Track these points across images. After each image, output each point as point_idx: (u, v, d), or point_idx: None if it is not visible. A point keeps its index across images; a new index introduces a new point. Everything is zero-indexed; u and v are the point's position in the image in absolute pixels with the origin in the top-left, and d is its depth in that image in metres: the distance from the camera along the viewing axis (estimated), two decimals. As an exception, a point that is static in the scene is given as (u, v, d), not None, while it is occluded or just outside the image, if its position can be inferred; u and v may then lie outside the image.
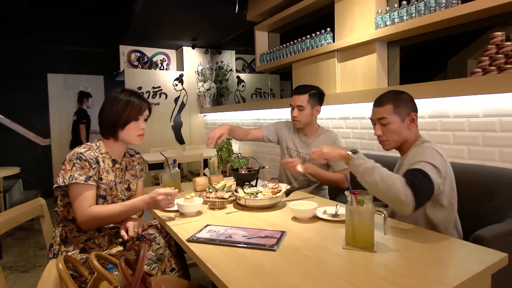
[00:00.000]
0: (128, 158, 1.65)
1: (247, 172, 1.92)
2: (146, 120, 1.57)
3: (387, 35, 2.29)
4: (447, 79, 1.87)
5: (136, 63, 5.43)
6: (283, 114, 3.47)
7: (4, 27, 5.12)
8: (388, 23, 2.28)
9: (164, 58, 5.64)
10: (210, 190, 1.76)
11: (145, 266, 1.34)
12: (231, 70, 5.76)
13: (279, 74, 6.16)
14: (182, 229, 1.32)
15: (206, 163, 3.10)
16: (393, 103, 1.41)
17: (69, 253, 1.38)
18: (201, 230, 1.27)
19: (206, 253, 1.08)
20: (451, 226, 1.37)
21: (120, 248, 1.37)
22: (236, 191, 1.67)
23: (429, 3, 2.04)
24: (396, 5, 2.26)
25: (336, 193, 2.20)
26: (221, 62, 5.66)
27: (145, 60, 5.47)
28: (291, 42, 3.27)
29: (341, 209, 1.39)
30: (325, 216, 1.37)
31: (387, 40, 2.45)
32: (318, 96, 2.12)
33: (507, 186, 1.52)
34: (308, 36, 3.05)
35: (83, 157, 1.39)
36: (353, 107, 2.60)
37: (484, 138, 1.78)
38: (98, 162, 1.44)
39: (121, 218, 1.44)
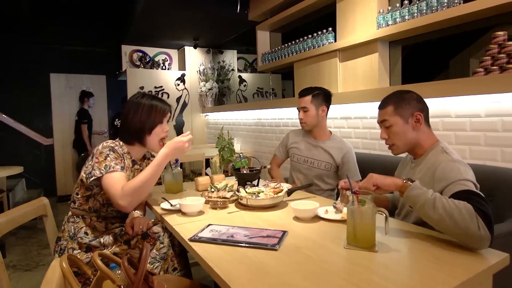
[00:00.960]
0: (146, 160, 1.70)
1: (248, 171, 1.92)
2: (168, 122, 1.63)
3: (388, 34, 2.29)
4: (449, 79, 1.87)
5: (138, 63, 5.45)
6: (285, 113, 3.47)
7: (7, 27, 5.15)
8: (390, 22, 2.28)
9: (166, 58, 5.65)
10: (212, 189, 1.77)
11: (148, 265, 1.35)
12: (232, 69, 5.77)
13: (281, 74, 6.16)
14: (184, 228, 1.32)
15: (208, 162, 3.11)
16: (394, 103, 1.36)
17: (75, 251, 1.40)
18: (203, 229, 1.28)
19: (208, 252, 1.08)
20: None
21: (125, 246, 1.38)
22: (238, 190, 1.68)
23: (431, 2, 2.03)
24: (398, 5, 2.26)
25: (338, 194, 2.20)
26: (223, 61, 5.67)
27: (147, 60, 5.48)
28: (293, 42, 3.27)
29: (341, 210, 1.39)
30: (326, 216, 1.38)
31: (388, 39, 2.45)
32: (322, 96, 2.13)
33: (508, 186, 1.52)
34: (310, 36, 3.05)
35: (116, 150, 1.45)
36: (354, 107, 2.60)
37: (486, 138, 1.77)
38: (124, 159, 1.49)
39: (154, 180, 1.45)
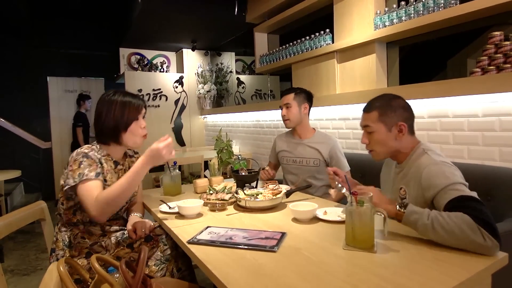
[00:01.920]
0: (128, 158, 1.64)
1: (247, 173, 1.92)
2: (144, 118, 1.55)
3: (386, 35, 2.30)
4: (447, 79, 1.87)
5: (136, 66, 5.45)
6: (283, 115, 3.47)
7: (5, 30, 5.14)
8: (387, 23, 2.29)
9: (164, 61, 5.65)
10: (211, 192, 1.77)
11: (153, 267, 1.35)
12: (231, 71, 5.77)
13: (279, 75, 6.17)
14: (182, 231, 1.32)
15: (206, 165, 3.11)
16: (380, 110, 1.30)
17: (75, 259, 1.38)
18: (202, 232, 1.28)
19: (206, 254, 1.08)
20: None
21: (128, 250, 1.37)
22: (237, 192, 1.68)
23: (427, 3, 2.04)
24: (394, 6, 2.27)
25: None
26: (221, 64, 5.68)
27: (145, 62, 5.48)
28: (291, 44, 3.28)
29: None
30: (325, 217, 1.37)
31: (386, 40, 2.46)
32: (304, 94, 2.21)
33: (507, 185, 1.52)
34: (308, 37, 3.05)
35: (90, 156, 1.40)
36: (352, 108, 2.60)
37: (483, 137, 1.78)
38: (101, 163, 1.44)
39: (131, 190, 1.38)
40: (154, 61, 5.59)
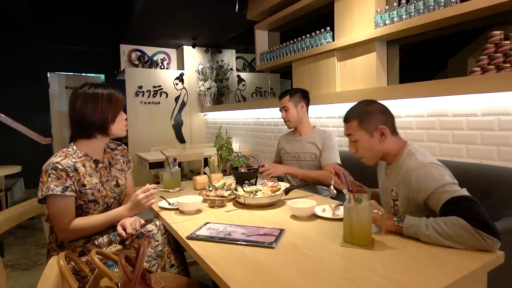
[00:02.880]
0: (109, 153, 1.62)
1: (246, 170, 1.93)
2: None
3: (386, 34, 2.29)
4: (447, 78, 1.88)
5: (136, 62, 5.44)
6: (283, 113, 3.47)
7: (5, 26, 5.14)
8: (387, 22, 2.29)
9: (164, 57, 5.65)
10: (210, 188, 1.78)
11: (144, 263, 1.35)
12: (231, 69, 5.77)
13: (280, 73, 6.17)
14: (182, 227, 1.33)
15: (206, 162, 3.11)
16: (358, 118, 1.33)
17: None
18: (201, 228, 1.29)
19: (205, 250, 1.09)
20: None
21: (119, 247, 1.38)
22: (236, 189, 1.69)
23: (428, 2, 2.04)
24: (395, 4, 2.27)
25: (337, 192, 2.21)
26: (222, 61, 5.67)
27: (146, 59, 5.48)
28: (291, 41, 3.27)
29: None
30: (323, 214, 1.38)
31: (386, 39, 2.46)
32: (299, 94, 2.29)
33: (505, 184, 1.53)
34: (308, 35, 3.05)
35: (59, 167, 1.34)
36: (352, 106, 2.60)
37: (482, 137, 1.78)
38: (76, 170, 1.39)
39: (103, 228, 1.44)
40: (155, 58, 5.58)
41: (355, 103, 2.46)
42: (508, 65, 1.67)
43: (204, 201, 1.64)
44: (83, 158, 1.46)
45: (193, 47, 5.44)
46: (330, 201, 1.64)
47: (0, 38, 5.22)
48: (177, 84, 5.39)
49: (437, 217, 1.09)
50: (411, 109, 2.15)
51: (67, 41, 5.68)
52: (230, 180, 1.90)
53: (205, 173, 2.36)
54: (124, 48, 5.48)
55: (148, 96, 5.16)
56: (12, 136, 5.25)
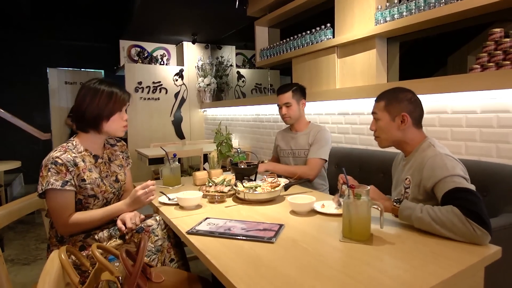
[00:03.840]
0: (109, 149, 1.62)
1: (246, 166, 1.93)
2: (126, 111, 1.56)
3: (386, 31, 2.29)
4: (447, 75, 1.88)
5: (136, 58, 5.43)
6: (283, 109, 3.48)
7: (5, 22, 5.11)
8: (388, 19, 2.28)
9: (164, 53, 5.63)
10: (210, 184, 1.78)
11: (145, 258, 1.36)
12: (231, 65, 5.76)
13: (279, 70, 6.16)
14: (182, 222, 1.34)
15: (206, 157, 3.11)
16: (386, 100, 1.39)
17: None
18: (201, 222, 1.29)
19: (205, 245, 1.09)
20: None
21: (119, 241, 1.39)
22: (236, 185, 1.69)
23: (429, -1, 2.04)
24: (396, 1, 2.26)
25: (336, 189, 2.22)
26: (221, 57, 5.66)
27: (145, 55, 5.47)
28: (291, 38, 3.27)
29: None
30: (323, 210, 1.39)
31: (386, 36, 2.46)
32: (300, 91, 2.29)
33: (503, 181, 1.53)
34: (308, 32, 3.04)
35: (59, 161, 1.35)
36: (352, 103, 2.61)
37: (481, 134, 1.79)
38: (76, 164, 1.40)
39: (103, 223, 1.46)
40: (154, 54, 5.57)
41: (355, 100, 2.51)
42: (508, 62, 1.68)
43: (204, 196, 1.64)
44: (83, 153, 1.47)
45: (193, 43, 5.43)
46: (330, 197, 1.65)
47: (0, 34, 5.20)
48: (176, 80, 5.39)
49: (435, 206, 1.12)
50: (411, 106, 2.15)
51: (66, 37, 5.66)
52: (230, 176, 1.90)
53: (204, 169, 2.36)
54: (124, 44, 5.46)
55: (148, 92, 5.15)
56: (11, 131, 5.24)
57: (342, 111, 2.72)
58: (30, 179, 5.29)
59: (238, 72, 6.00)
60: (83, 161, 1.45)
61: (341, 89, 2.66)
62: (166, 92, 5.31)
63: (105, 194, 1.50)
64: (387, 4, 2.31)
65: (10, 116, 5.18)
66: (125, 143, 1.75)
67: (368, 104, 2.47)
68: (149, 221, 1.43)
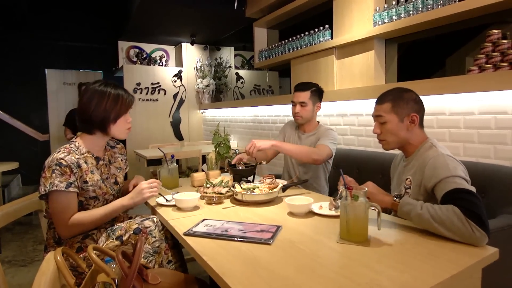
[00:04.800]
0: (109, 151, 1.64)
1: (244, 167, 1.93)
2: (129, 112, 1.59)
3: (385, 32, 2.30)
4: (445, 77, 1.88)
5: (135, 59, 5.43)
6: (282, 111, 3.48)
7: (3, 23, 5.11)
8: (386, 20, 2.29)
9: (163, 54, 5.63)
10: (208, 185, 1.78)
11: (142, 260, 1.36)
12: (230, 66, 5.76)
13: (278, 71, 6.16)
14: (179, 223, 1.33)
15: (204, 159, 3.11)
16: (392, 101, 1.36)
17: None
18: (198, 224, 1.29)
19: (202, 246, 1.09)
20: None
21: (117, 242, 1.38)
22: (233, 186, 1.69)
23: (426, 0, 2.04)
24: (394, 2, 2.27)
25: (335, 190, 2.22)
26: (220, 58, 5.66)
27: (144, 56, 5.46)
28: (290, 39, 3.27)
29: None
30: (320, 211, 1.39)
31: (385, 37, 2.46)
32: (318, 93, 2.18)
33: (501, 183, 1.53)
34: (307, 33, 3.05)
35: (63, 163, 1.34)
36: (350, 104, 2.61)
37: (479, 135, 1.79)
38: (79, 166, 1.40)
39: (104, 221, 1.46)
40: (153, 55, 5.57)
41: (353, 101, 2.50)
42: (506, 64, 1.68)
43: (202, 197, 1.64)
44: (85, 154, 1.48)
45: (192, 44, 5.43)
46: (327, 199, 1.64)
47: (-2, 34, 5.19)
48: (175, 81, 5.38)
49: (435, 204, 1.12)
50: (409, 108, 2.15)
51: (65, 38, 5.65)
52: (228, 177, 1.90)
53: (203, 170, 2.35)
54: (122, 45, 5.46)
55: (146, 93, 5.15)
56: (9, 132, 5.24)
57: (341, 112, 2.72)
58: (28, 180, 5.28)
59: (237, 73, 6.00)
60: (86, 162, 1.45)
61: (339, 90, 2.66)
62: (165, 93, 5.30)
63: (106, 195, 1.51)
64: (385, 6, 2.31)
65: (8, 117, 5.18)
66: (123, 146, 1.76)
67: (366, 105, 2.47)
68: (147, 223, 1.43)
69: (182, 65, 5.47)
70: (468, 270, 0.91)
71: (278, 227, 1.23)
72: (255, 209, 1.51)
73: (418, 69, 4.10)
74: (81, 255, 1.37)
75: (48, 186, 1.32)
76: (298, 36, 3.17)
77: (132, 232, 1.38)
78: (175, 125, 5.43)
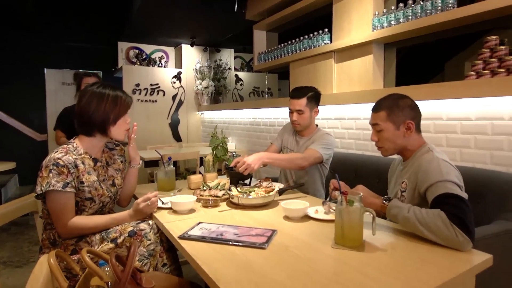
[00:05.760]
0: (107, 152, 1.64)
1: (241, 170, 1.93)
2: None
3: (383, 37, 2.30)
4: (444, 82, 1.88)
5: (134, 60, 5.43)
6: (280, 113, 3.48)
7: (3, 22, 5.11)
8: (385, 25, 2.29)
9: (162, 55, 5.63)
10: (204, 188, 1.78)
11: (136, 262, 1.35)
12: (229, 68, 5.76)
13: (277, 73, 6.17)
14: (174, 226, 1.33)
15: (202, 161, 3.10)
16: (388, 109, 1.36)
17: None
18: (193, 227, 1.29)
19: (196, 250, 1.09)
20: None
21: (111, 245, 1.37)
22: (230, 189, 1.69)
23: (425, 6, 2.05)
24: (393, 7, 2.28)
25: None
26: (220, 60, 5.66)
27: (144, 57, 5.46)
28: (289, 42, 3.28)
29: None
30: (316, 216, 1.39)
31: (383, 41, 2.47)
32: (315, 98, 2.14)
33: (497, 188, 1.53)
34: (306, 36, 3.06)
35: (61, 163, 1.35)
36: (348, 108, 2.61)
37: (476, 141, 1.79)
38: (76, 166, 1.40)
39: (104, 229, 1.45)
40: (153, 56, 5.57)
41: (351, 105, 2.51)
42: (503, 70, 1.69)
43: (198, 200, 1.64)
44: (83, 155, 1.48)
45: (192, 45, 5.43)
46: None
47: (-2, 34, 5.19)
48: (174, 82, 5.39)
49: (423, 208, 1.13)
50: (407, 112, 2.15)
51: (64, 38, 5.65)
52: (225, 180, 1.90)
53: (200, 173, 2.35)
54: (122, 46, 5.46)
55: (145, 94, 5.15)
56: (7, 132, 5.22)
57: (339, 116, 2.73)
58: (25, 180, 5.26)
59: (236, 75, 6.00)
60: (83, 163, 1.45)
61: (337, 94, 2.67)
62: (164, 95, 5.30)
63: (102, 197, 1.51)
64: (384, 10, 2.32)
65: (6, 117, 5.17)
66: (123, 148, 1.76)
67: (364, 109, 2.48)
68: (142, 225, 1.42)
69: (181, 67, 5.47)
70: (461, 277, 0.91)
71: (273, 231, 1.23)
72: (251, 212, 1.51)
73: (417, 73, 4.11)
74: (75, 258, 1.36)
75: (45, 185, 1.32)
76: (297, 39, 3.18)
77: (127, 235, 1.38)
78: (174, 126, 5.43)
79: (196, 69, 5.41)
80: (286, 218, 1.41)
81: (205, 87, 5.28)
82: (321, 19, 3.13)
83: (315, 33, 2.96)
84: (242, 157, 1.86)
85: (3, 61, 5.27)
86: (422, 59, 4.62)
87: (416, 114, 1.38)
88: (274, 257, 1.03)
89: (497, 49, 1.75)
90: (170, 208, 1.55)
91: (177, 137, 5.45)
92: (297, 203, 1.46)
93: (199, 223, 1.34)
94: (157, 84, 5.24)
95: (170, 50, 5.76)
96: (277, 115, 3.55)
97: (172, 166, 1.98)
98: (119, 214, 1.48)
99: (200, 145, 4.84)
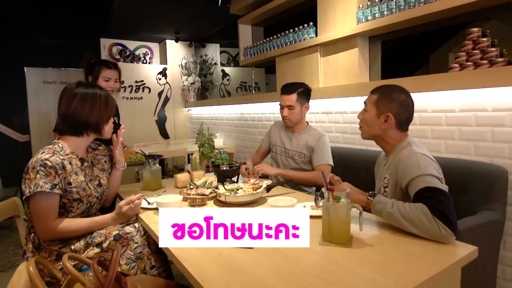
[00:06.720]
0: (91, 152, 1.61)
1: (228, 168, 1.91)
2: None
3: (368, 30, 2.30)
4: (429, 73, 1.89)
5: (117, 57, 5.31)
6: (268, 108, 3.46)
7: (-22, 18, 4.92)
8: (369, 18, 2.29)
9: (147, 52, 5.53)
10: (191, 186, 1.75)
11: (124, 266, 1.32)
12: (215, 63, 5.69)
13: (264, 68, 6.13)
14: (160, 227, 1.30)
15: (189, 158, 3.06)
16: (380, 95, 1.38)
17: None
18: (180, 228, 1.26)
19: (183, 251, 1.07)
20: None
21: (97, 250, 1.34)
22: (217, 187, 1.67)
23: (408, -2, 2.05)
24: (377, 0, 2.27)
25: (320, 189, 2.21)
26: (206, 55, 5.59)
27: (127, 53, 5.35)
28: (275, 36, 3.25)
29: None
30: (304, 212, 1.38)
31: (368, 35, 2.46)
32: (305, 94, 2.16)
33: (481, 179, 1.56)
34: (291, 30, 3.03)
35: (48, 164, 1.31)
36: (335, 102, 2.61)
37: (460, 132, 1.81)
38: (64, 167, 1.37)
39: (86, 232, 1.41)
40: (137, 52, 5.46)
41: (337, 98, 2.50)
42: (485, 61, 1.70)
43: (184, 199, 1.61)
44: (69, 155, 1.44)
45: (176, 41, 5.34)
46: (310, 198, 1.64)
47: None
48: (160, 79, 5.30)
49: (406, 202, 1.14)
50: (392, 105, 2.16)
51: (44, 35, 5.48)
52: (212, 177, 1.88)
53: (188, 171, 2.32)
54: (105, 42, 5.33)
55: (130, 91, 5.05)
56: (-12, 133, 5.07)
57: (326, 110, 2.72)
58: (9, 182, 5.12)
59: (222, 71, 5.94)
60: (70, 163, 1.42)
61: (324, 88, 2.66)
62: (149, 91, 5.22)
63: (90, 198, 1.47)
64: (369, 3, 2.31)
65: (-14, 118, 5.00)
66: (105, 147, 1.73)
67: (351, 103, 2.48)
68: (128, 228, 1.39)
69: (166, 63, 5.38)
70: (448, 270, 0.91)
71: (261, 229, 1.21)
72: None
73: (402, 66, 4.14)
74: (59, 264, 1.33)
75: (32, 187, 1.28)
76: (283, 33, 3.15)
77: (112, 239, 1.34)
78: (161, 123, 5.35)
79: (181, 65, 5.33)
80: (274, 215, 1.40)
81: (192, 83, 5.21)
82: (306, 13, 3.11)
83: (300, 27, 2.93)
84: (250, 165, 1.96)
85: (-19, 60, 5.09)
86: (407, 51, 4.66)
87: (402, 112, 1.36)
88: (262, 257, 1.02)
89: (479, 41, 1.76)
90: (156, 209, 1.52)
91: (165, 134, 5.39)
92: (284, 200, 1.45)
93: (186, 223, 1.32)
94: (142, 81, 5.15)
95: (155, 46, 5.65)
96: (265, 110, 3.53)
97: (158, 165, 1.95)
98: (101, 217, 1.44)
99: (188, 141, 4.79)
